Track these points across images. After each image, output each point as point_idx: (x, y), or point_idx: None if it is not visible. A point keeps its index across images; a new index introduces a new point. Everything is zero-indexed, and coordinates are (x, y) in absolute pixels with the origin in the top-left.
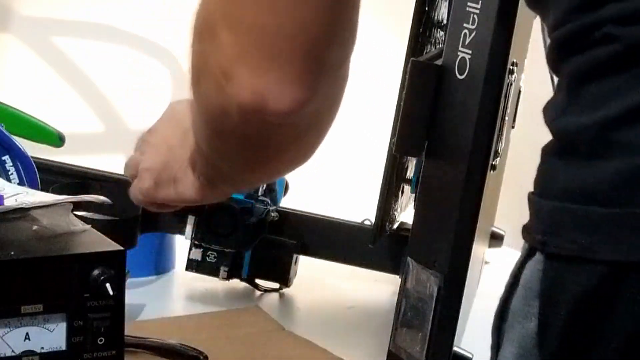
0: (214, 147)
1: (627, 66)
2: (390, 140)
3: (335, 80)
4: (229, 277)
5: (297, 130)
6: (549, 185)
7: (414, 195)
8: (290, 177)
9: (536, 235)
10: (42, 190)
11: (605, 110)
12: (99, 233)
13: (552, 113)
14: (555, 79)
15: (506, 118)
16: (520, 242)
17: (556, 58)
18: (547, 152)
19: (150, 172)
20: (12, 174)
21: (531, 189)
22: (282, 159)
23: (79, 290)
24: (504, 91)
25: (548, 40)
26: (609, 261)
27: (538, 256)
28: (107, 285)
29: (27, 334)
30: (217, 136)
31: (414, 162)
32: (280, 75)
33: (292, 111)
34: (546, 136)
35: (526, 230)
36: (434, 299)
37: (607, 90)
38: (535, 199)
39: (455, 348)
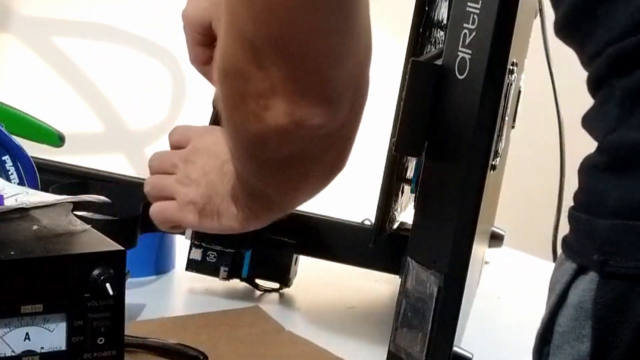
0: (259, 176)
1: None
2: (390, 140)
3: (358, 87)
4: (229, 277)
5: (330, 138)
6: (601, 202)
7: (414, 195)
8: None
9: (591, 255)
10: (42, 190)
11: None
12: (99, 233)
13: (600, 127)
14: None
15: (506, 118)
16: (521, 242)
17: (607, 73)
18: (594, 167)
19: (195, 205)
20: (12, 174)
21: (531, 189)
22: (322, 171)
23: (79, 290)
24: (504, 91)
25: (593, 59)
26: None
27: (592, 276)
28: (107, 285)
29: (27, 334)
30: (262, 165)
31: (414, 162)
32: (312, 99)
33: (326, 124)
34: (545, 137)
35: (572, 249)
36: (434, 299)
37: None
38: (584, 217)
39: (455, 348)
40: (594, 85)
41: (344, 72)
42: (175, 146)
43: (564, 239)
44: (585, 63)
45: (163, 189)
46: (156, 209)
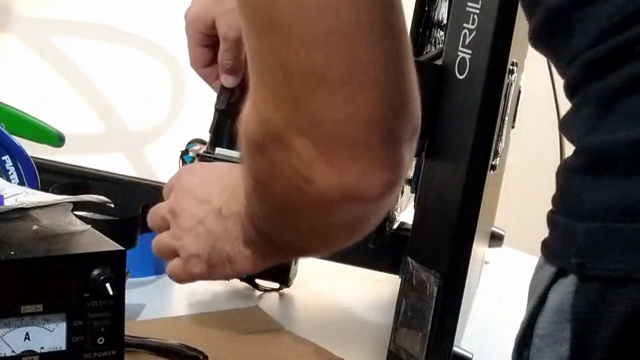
0: (286, 234)
1: None
2: None
3: (415, 145)
4: (229, 277)
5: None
6: (578, 205)
7: (414, 195)
8: None
9: (570, 258)
10: (42, 190)
11: None
12: (99, 233)
13: (578, 129)
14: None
15: (506, 118)
16: (521, 242)
17: (583, 78)
18: (571, 170)
19: (200, 258)
20: (12, 174)
21: (531, 189)
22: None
23: (79, 290)
24: (504, 91)
25: (566, 67)
26: None
27: (571, 279)
28: (107, 285)
29: (27, 334)
30: (290, 225)
31: (414, 162)
32: (365, 164)
33: (386, 194)
34: (545, 137)
35: (551, 253)
36: (434, 299)
37: None
38: (562, 220)
39: (455, 348)
40: (571, 91)
41: (406, 125)
42: (166, 198)
43: (543, 243)
44: (561, 70)
45: (163, 248)
46: (168, 271)
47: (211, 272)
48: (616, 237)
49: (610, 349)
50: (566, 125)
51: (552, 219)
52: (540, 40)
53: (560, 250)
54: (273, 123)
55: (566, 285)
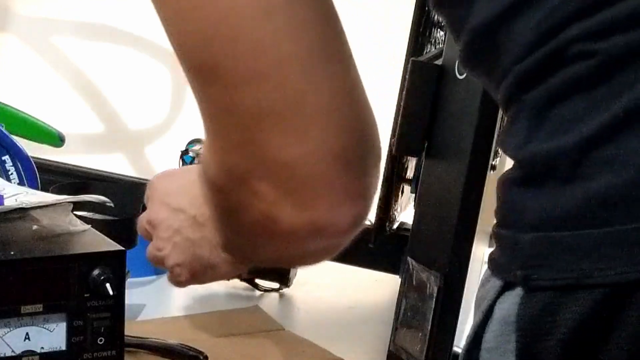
0: (254, 255)
1: (601, 79)
2: (390, 140)
3: (378, 170)
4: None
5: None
6: (520, 217)
7: (414, 195)
8: None
9: (515, 270)
10: (42, 190)
11: (581, 130)
12: (99, 233)
13: (512, 143)
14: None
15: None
16: None
17: (515, 91)
18: (511, 182)
19: (182, 267)
20: (12, 174)
21: None
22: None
23: (79, 290)
24: None
25: (503, 83)
26: (609, 283)
27: (517, 291)
28: (107, 285)
29: (27, 334)
30: (258, 252)
31: (414, 162)
32: (329, 199)
33: (355, 224)
34: None
35: (497, 266)
36: (434, 299)
37: (580, 109)
38: (505, 232)
39: (455, 348)
40: (505, 105)
41: (363, 158)
42: (147, 207)
43: (490, 256)
44: (494, 88)
45: (153, 259)
46: (167, 277)
47: (196, 279)
48: (559, 246)
49: (557, 358)
50: (503, 139)
51: (496, 233)
52: (470, 60)
53: (505, 263)
54: (232, 167)
55: (512, 297)
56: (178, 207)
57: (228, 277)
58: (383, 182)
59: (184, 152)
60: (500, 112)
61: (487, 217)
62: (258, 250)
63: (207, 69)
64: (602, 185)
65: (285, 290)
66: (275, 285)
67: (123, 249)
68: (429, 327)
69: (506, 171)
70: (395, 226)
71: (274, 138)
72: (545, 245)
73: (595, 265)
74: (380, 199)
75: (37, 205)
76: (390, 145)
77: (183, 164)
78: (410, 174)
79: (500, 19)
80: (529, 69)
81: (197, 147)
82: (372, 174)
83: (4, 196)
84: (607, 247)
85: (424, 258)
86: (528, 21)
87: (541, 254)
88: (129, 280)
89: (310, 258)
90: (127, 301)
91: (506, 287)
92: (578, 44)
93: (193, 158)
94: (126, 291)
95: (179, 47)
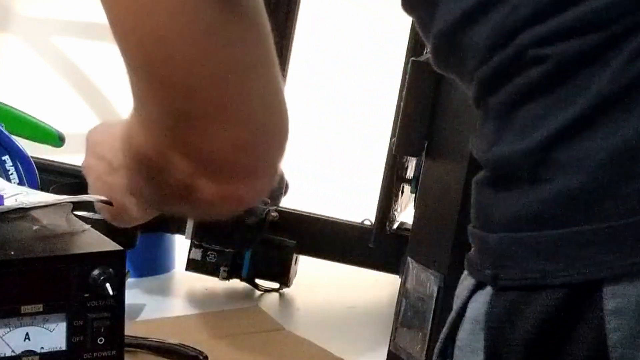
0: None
1: (556, 83)
2: (390, 140)
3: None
4: (229, 277)
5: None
6: (489, 217)
7: (414, 195)
8: (290, 177)
9: (484, 270)
10: (42, 190)
11: (540, 132)
12: (99, 233)
13: (481, 145)
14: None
15: None
16: None
17: (481, 94)
18: (482, 183)
19: (104, 207)
20: (12, 174)
21: None
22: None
23: (79, 290)
24: None
25: (471, 85)
26: (569, 284)
27: (487, 290)
28: (107, 285)
29: (27, 334)
30: (174, 205)
31: (414, 162)
32: (240, 180)
33: (258, 197)
34: None
35: (472, 265)
36: (434, 299)
37: (539, 112)
38: (478, 232)
39: None
40: (476, 107)
41: (273, 146)
42: None
43: (467, 255)
44: (466, 89)
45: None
46: None
47: (115, 219)
48: (523, 246)
49: (522, 357)
50: (473, 141)
51: (470, 232)
52: (440, 63)
53: (477, 262)
54: (157, 141)
55: (482, 297)
56: (101, 155)
57: (140, 221)
58: (383, 182)
59: None
60: None
61: None
62: (171, 206)
63: (145, 72)
64: (560, 187)
65: (285, 290)
66: (275, 285)
67: (123, 249)
68: (429, 327)
69: (479, 172)
70: (395, 226)
71: (195, 133)
72: (511, 245)
73: (555, 265)
74: (380, 199)
75: (37, 205)
76: (390, 145)
77: None
78: (410, 174)
79: (459, 24)
80: (491, 73)
81: None
82: (278, 161)
83: (4, 196)
84: (566, 248)
85: (424, 258)
86: (485, 27)
87: (507, 254)
88: (129, 280)
89: (215, 215)
90: (127, 301)
91: (478, 286)
92: (532, 49)
93: None
94: (126, 291)
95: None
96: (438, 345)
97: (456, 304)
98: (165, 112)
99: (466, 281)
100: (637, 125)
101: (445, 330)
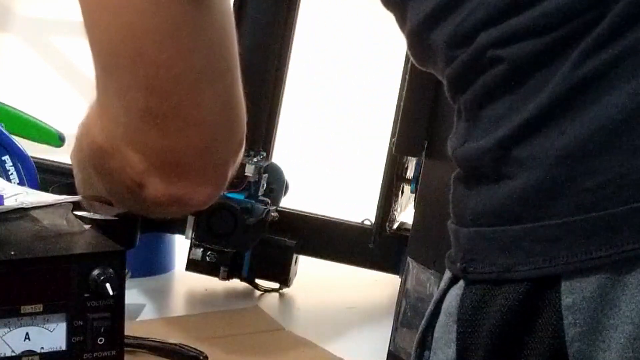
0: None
1: (515, 83)
2: (390, 140)
3: (240, 152)
4: (229, 277)
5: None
6: (461, 212)
7: (414, 195)
8: (290, 177)
9: (456, 263)
10: (42, 190)
11: (502, 130)
12: (99, 233)
13: (453, 143)
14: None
15: None
16: None
17: (452, 93)
18: (456, 179)
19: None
20: (12, 174)
21: None
22: None
23: (79, 290)
24: None
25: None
26: (527, 278)
27: (460, 283)
28: (107, 285)
29: (27, 334)
30: (121, 202)
31: (414, 162)
32: (191, 182)
33: (209, 201)
34: None
35: (449, 259)
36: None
37: (500, 111)
38: (452, 227)
39: None
40: (452, 104)
41: (229, 147)
42: None
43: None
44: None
45: None
46: None
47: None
48: (488, 240)
49: (486, 351)
50: (449, 138)
51: (448, 227)
52: (417, 61)
53: (452, 256)
54: (114, 135)
55: (456, 290)
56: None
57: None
58: (383, 182)
59: None
60: None
61: None
62: (118, 200)
63: (112, 68)
64: (519, 184)
65: (285, 290)
66: (275, 285)
67: (123, 249)
68: None
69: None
70: (395, 226)
71: (153, 131)
72: (478, 239)
73: (515, 260)
74: (380, 199)
75: (37, 205)
76: (390, 145)
77: None
78: (410, 174)
79: (424, 25)
80: (457, 73)
81: None
82: (232, 165)
83: (4, 196)
84: (525, 243)
85: (424, 258)
86: (446, 29)
87: (475, 248)
88: (129, 280)
89: (161, 215)
90: (127, 301)
91: (454, 280)
92: (489, 50)
93: None
94: (126, 291)
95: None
96: (418, 335)
97: (435, 296)
98: (126, 108)
99: (445, 275)
100: (588, 124)
101: (423, 322)
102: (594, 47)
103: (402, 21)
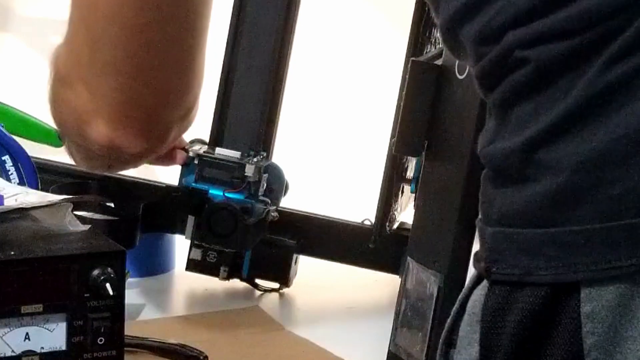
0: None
1: (541, 86)
2: (390, 140)
3: (184, 124)
4: (229, 277)
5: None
6: (488, 211)
7: (414, 195)
8: (290, 177)
9: (482, 263)
10: (42, 190)
11: (527, 132)
12: (99, 233)
13: (482, 141)
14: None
15: None
16: None
17: (482, 90)
18: (485, 178)
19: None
20: (12, 174)
21: None
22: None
23: (79, 290)
24: None
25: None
26: (547, 283)
27: (484, 283)
28: (107, 285)
29: (27, 334)
30: (68, 134)
31: (414, 162)
32: (131, 133)
33: (144, 156)
34: None
35: (475, 257)
36: (434, 299)
37: (527, 112)
38: (480, 226)
39: None
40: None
41: (175, 112)
42: None
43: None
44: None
45: None
46: None
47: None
48: (511, 241)
49: (506, 353)
50: (479, 137)
51: (477, 226)
52: (452, 52)
53: (477, 255)
54: (73, 68)
55: (480, 289)
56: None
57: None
58: (383, 182)
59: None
60: None
61: None
62: (66, 132)
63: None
64: (542, 187)
65: (285, 290)
66: (275, 285)
67: (123, 249)
68: (429, 327)
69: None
70: (395, 226)
71: (111, 80)
72: (501, 240)
73: (536, 263)
74: (380, 199)
75: (37, 205)
76: (390, 145)
77: (184, 166)
78: (410, 174)
79: (454, 21)
80: (485, 71)
81: (196, 147)
82: (176, 127)
83: (4, 196)
84: (546, 248)
85: (424, 258)
86: (475, 26)
87: (499, 249)
88: (129, 280)
89: (100, 165)
90: (127, 301)
91: (479, 279)
92: (516, 50)
93: (193, 158)
94: (126, 291)
95: None
96: (443, 333)
97: (461, 294)
98: (91, 54)
99: (471, 274)
100: (612, 131)
101: (449, 320)
102: (620, 53)
103: (436, 14)
